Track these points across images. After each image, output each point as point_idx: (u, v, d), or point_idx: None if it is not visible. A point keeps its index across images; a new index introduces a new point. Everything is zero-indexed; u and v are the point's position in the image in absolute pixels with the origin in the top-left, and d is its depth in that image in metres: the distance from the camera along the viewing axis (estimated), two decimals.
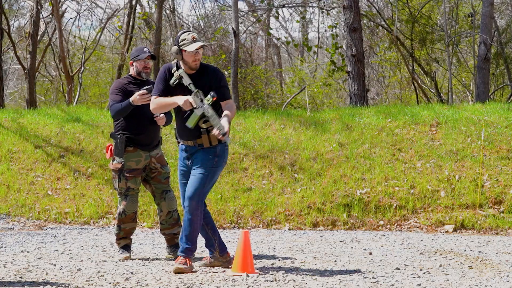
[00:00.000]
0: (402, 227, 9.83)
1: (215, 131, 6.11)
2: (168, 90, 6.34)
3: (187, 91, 6.27)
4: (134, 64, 7.21)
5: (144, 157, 7.11)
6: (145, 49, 7.24)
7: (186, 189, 6.30)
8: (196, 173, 6.29)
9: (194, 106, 6.15)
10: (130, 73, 7.26)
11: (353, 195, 10.35)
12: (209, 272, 6.27)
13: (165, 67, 6.41)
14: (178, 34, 6.34)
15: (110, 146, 7.21)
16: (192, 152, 6.38)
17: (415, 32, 19.72)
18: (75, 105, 17.70)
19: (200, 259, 7.13)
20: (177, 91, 6.30)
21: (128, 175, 7.05)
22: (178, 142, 6.52)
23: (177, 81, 6.30)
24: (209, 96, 6.16)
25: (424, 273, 6.17)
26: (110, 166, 7.19)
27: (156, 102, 6.32)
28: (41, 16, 19.89)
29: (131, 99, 6.92)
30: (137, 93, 6.91)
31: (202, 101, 6.17)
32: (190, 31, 6.36)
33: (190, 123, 6.23)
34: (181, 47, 6.24)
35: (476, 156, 10.93)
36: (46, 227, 10.14)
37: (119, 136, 7.07)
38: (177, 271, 6.22)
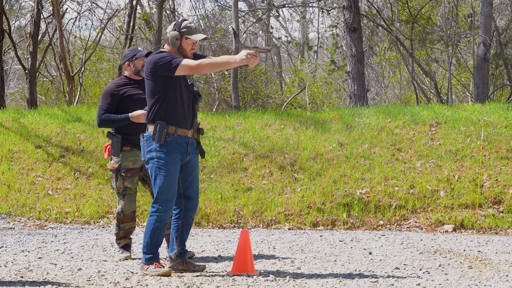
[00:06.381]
0: (401, 227, 9.84)
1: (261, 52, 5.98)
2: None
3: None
4: (131, 64, 7.18)
5: (140, 157, 7.12)
6: (139, 48, 7.27)
7: (193, 190, 6.16)
8: (197, 175, 6.20)
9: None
10: (125, 74, 7.24)
11: (353, 195, 10.36)
12: (209, 272, 6.29)
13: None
14: (179, 21, 6.15)
15: (108, 146, 7.22)
16: (192, 145, 6.17)
17: (415, 32, 19.74)
18: (76, 105, 17.70)
19: (201, 259, 7.15)
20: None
21: (125, 174, 7.06)
22: (167, 136, 6.01)
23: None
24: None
25: (423, 272, 6.19)
26: (108, 166, 7.21)
27: (207, 62, 5.91)
28: (41, 17, 19.90)
29: (131, 114, 6.89)
30: (141, 112, 6.86)
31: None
32: (191, 21, 6.24)
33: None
34: (182, 34, 6.07)
35: (476, 156, 10.94)
36: (46, 226, 10.16)
37: (115, 136, 7.08)
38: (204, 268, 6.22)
